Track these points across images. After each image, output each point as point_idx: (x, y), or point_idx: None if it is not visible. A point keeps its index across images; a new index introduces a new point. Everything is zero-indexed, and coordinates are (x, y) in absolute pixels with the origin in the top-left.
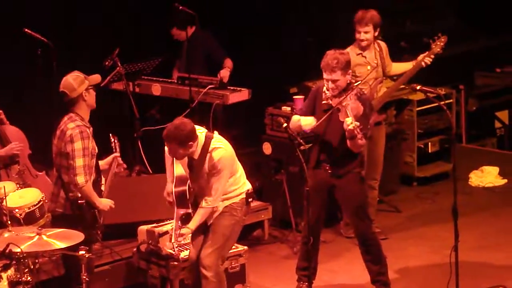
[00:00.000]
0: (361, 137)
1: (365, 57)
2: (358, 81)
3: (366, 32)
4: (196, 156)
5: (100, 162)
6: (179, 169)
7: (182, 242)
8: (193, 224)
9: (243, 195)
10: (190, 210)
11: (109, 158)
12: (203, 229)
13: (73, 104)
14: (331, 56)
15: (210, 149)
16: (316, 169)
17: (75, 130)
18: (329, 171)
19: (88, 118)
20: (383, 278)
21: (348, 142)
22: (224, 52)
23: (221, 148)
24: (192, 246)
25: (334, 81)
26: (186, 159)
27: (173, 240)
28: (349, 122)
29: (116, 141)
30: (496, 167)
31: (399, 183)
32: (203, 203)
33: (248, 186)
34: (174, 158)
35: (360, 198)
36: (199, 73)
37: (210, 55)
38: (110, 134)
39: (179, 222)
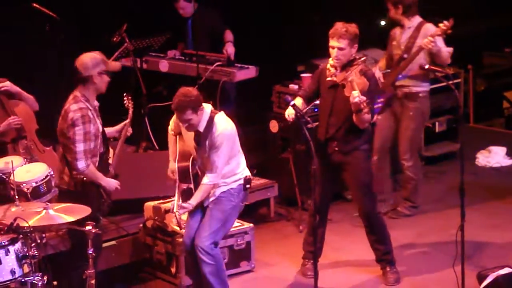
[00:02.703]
0: (368, 111)
1: (395, 34)
2: (362, 57)
3: (388, 10)
4: (201, 129)
5: (110, 129)
6: (181, 145)
7: (182, 216)
8: (194, 200)
9: (241, 181)
10: (192, 185)
11: (119, 126)
12: (199, 214)
13: (82, 82)
14: (340, 24)
15: (213, 122)
16: (323, 147)
17: (77, 113)
18: (336, 149)
19: (94, 99)
20: (388, 257)
21: (354, 117)
22: (225, 26)
23: (223, 124)
24: (186, 230)
25: (340, 49)
26: (192, 133)
27: (175, 210)
28: (356, 95)
29: (129, 99)
30: (504, 147)
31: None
32: (205, 180)
33: (247, 172)
34: (177, 136)
35: (366, 175)
36: (205, 50)
37: (213, 30)
38: (125, 94)
39: (181, 196)
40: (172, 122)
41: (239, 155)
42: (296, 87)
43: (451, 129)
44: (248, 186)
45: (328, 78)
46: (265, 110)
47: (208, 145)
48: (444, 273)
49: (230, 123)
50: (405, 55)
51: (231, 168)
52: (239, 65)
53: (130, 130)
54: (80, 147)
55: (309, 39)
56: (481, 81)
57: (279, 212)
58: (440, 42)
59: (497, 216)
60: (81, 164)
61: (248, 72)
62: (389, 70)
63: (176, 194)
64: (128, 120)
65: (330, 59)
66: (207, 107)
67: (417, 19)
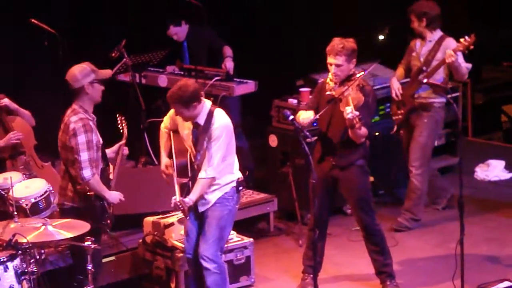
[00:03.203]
0: (360, 126)
1: (415, 45)
2: (360, 73)
3: (412, 21)
4: (202, 122)
5: (107, 150)
6: (177, 141)
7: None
8: (194, 195)
9: (234, 183)
10: (190, 180)
11: (115, 147)
12: (195, 225)
13: (76, 95)
14: (337, 41)
15: (213, 116)
16: (320, 161)
17: (78, 123)
18: (333, 163)
19: (92, 110)
20: (388, 270)
21: (349, 132)
22: (222, 41)
23: (223, 117)
24: (186, 241)
25: (337, 66)
26: (190, 128)
27: (177, 199)
28: (349, 111)
29: (123, 120)
30: (502, 161)
31: (404, 175)
32: (202, 174)
33: (238, 174)
34: (171, 133)
35: (363, 190)
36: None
37: (210, 47)
38: (117, 114)
39: (180, 190)
40: (167, 118)
41: (234, 155)
42: (295, 101)
43: (450, 143)
44: (241, 188)
45: (327, 92)
46: (264, 125)
47: (208, 138)
48: (444, 286)
49: (228, 119)
50: (424, 68)
51: (225, 166)
52: (238, 79)
53: (126, 150)
54: (84, 156)
55: (308, 53)
56: (480, 95)
57: (279, 227)
58: (460, 57)
59: (496, 230)
60: (86, 173)
61: (247, 87)
62: (406, 80)
63: (176, 187)
64: (123, 141)
65: (330, 73)
66: (207, 102)
67: (439, 33)
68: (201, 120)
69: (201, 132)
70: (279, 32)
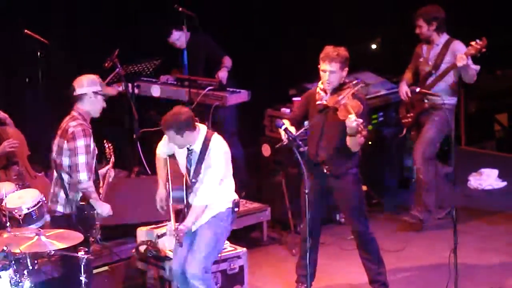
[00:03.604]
0: (366, 133)
1: (422, 50)
2: (354, 81)
3: (419, 26)
4: (197, 149)
5: None
6: (173, 166)
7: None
8: (189, 221)
9: (230, 204)
10: (185, 206)
11: (103, 171)
12: (187, 239)
13: (76, 101)
14: (331, 48)
15: (210, 142)
16: (314, 170)
17: (77, 127)
18: (327, 172)
19: (89, 120)
20: (382, 278)
21: (348, 140)
22: (222, 51)
23: (220, 144)
24: (174, 255)
25: (331, 72)
26: (185, 154)
27: (173, 227)
28: (353, 119)
29: (110, 147)
30: (495, 170)
31: (398, 184)
32: (197, 200)
33: (235, 196)
34: (168, 159)
35: (357, 198)
36: (200, 75)
37: (209, 56)
38: (105, 141)
39: (175, 217)
40: (163, 143)
41: (230, 177)
42: (288, 111)
43: (443, 152)
44: (236, 209)
45: (318, 102)
46: (257, 134)
47: (205, 165)
48: None
49: (225, 144)
50: (434, 72)
51: (221, 190)
52: (231, 89)
53: (113, 172)
54: (82, 159)
55: (301, 62)
56: (473, 103)
57: (272, 236)
58: (469, 60)
59: (489, 239)
60: (83, 176)
61: (239, 96)
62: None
63: (172, 215)
64: (110, 165)
65: (320, 82)
66: (203, 128)
67: (445, 36)
68: (197, 147)
69: (197, 159)
70: (272, 41)
